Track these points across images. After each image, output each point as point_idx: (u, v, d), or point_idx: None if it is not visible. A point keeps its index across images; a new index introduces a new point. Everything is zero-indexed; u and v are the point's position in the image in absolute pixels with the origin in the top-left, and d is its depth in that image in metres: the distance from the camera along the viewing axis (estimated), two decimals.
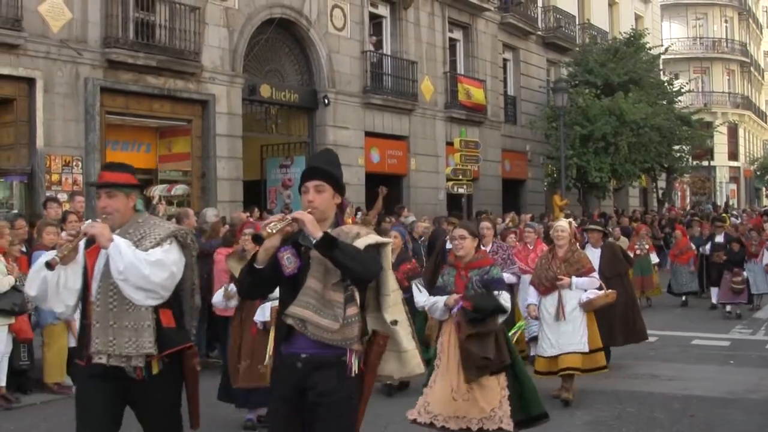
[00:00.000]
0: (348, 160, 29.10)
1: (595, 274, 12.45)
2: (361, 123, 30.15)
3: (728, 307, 22.95)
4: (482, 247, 11.85)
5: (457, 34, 36.57)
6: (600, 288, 12.35)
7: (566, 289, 12.12)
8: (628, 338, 15.08)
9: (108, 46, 21.66)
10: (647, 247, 25.13)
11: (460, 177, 30.53)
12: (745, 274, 22.88)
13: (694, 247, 25.86)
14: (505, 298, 9.06)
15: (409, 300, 11.79)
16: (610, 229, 28.52)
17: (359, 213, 23.59)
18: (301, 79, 28.80)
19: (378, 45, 31.90)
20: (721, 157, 69.15)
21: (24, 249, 13.96)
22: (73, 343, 13.40)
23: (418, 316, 11.90)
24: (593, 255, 14.59)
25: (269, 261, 6.06)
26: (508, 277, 12.64)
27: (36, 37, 20.27)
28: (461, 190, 30.83)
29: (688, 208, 52.70)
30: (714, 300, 24.08)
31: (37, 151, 20.30)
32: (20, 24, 19.76)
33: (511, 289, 12.68)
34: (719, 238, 24.65)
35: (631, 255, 23.28)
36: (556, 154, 36.43)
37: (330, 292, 5.92)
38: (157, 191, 23.68)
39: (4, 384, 12.31)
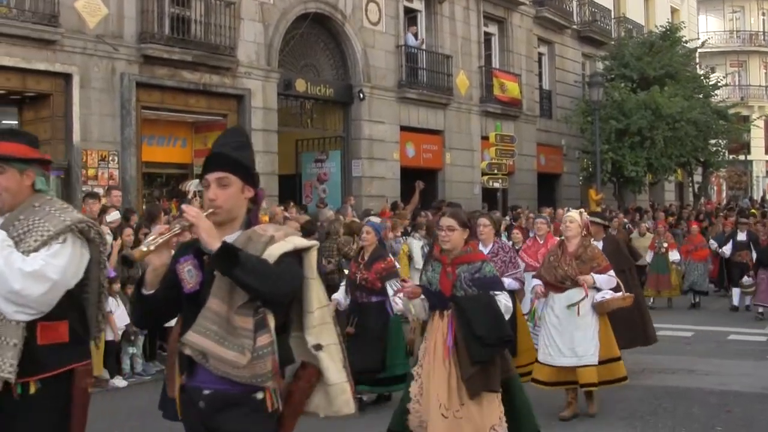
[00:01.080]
0: (383, 154, 29.16)
1: (612, 273, 11.15)
2: (396, 117, 30.13)
3: (760, 309, 21.71)
4: (482, 249, 10.97)
5: (492, 28, 36.49)
6: (617, 289, 11.18)
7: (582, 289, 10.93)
8: (633, 341, 13.65)
9: (144, 41, 21.74)
10: (666, 245, 24.10)
11: (496, 171, 30.43)
12: None
13: (715, 244, 25.19)
14: (503, 301, 7.93)
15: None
16: (649, 224, 28.37)
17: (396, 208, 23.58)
18: (336, 73, 28.81)
19: (415, 37, 31.77)
20: (758, 151, 68.58)
21: None
22: (110, 337, 13.51)
23: (395, 323, 11.82)
24: None
25: (164, 281, 4.98)
26: (509, 282, 11.11)
27: (72, 32, 20.37)
28: (496, 185, 30.75)
29: (724, 202, 52.30)
30: (736, 302, 23.41)
31: (73, 146, 20.40)
32: (57, 20, 19.86)
33: (513, 297, 10.72)
34: (741, 236, 23.89)
35: (651, 252, 24.22)
36: (591, 149, 36.25)
37: (236, 317, 4.76)
38: (192, 186, 23.75)
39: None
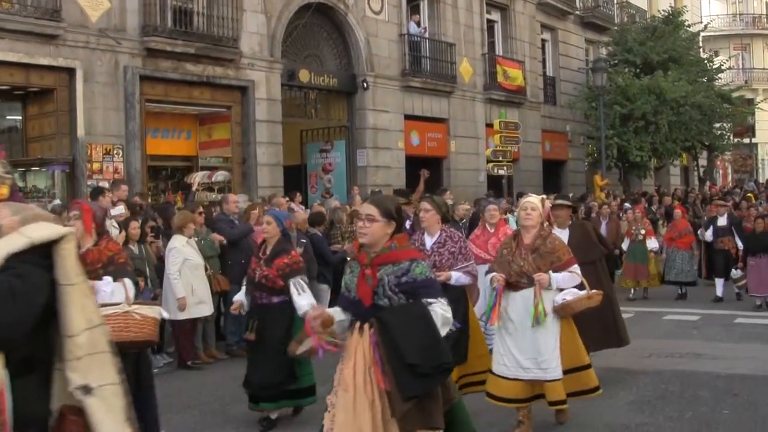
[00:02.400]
0: (388, 143, 29.19)
1: (576, 268, 9.54)
2: (400, 106, 30.14)
3: (758, 300, 20.20)
4: (426, 239, 10.09)
5: (495, 16, 36.47)
6: (581, 287, 9.66)
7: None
8: (604, 342, 12.24)
9: (146, 34, 21.74)
10: (643, 232, 22.71)
11: (500, 158, 30.45)
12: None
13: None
14: (440, 311, 6.20)
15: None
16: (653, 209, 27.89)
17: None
18: (339, 63, 28.81)
19: (418, 25, 31.74)
20: (763, 134, 68.33)
21: None
22: None
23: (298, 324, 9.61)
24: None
25: None
26: (458, 277, 9.92)
27: (75, 27, 20.38)
28: (501, 172, 30.75)
29: (730, 185, 52.23)
30: (719, 292, 21.71)
31: (78, 141, 20.44)
32: (59, 14, 19.87)
33: (465, 294, 10.33)
34: (722, 221, 22.27)
35: (627, 240, 23.05)
36: (596, 134, 36.30)
37: None
38: (197, 178, 23.83)
39: None
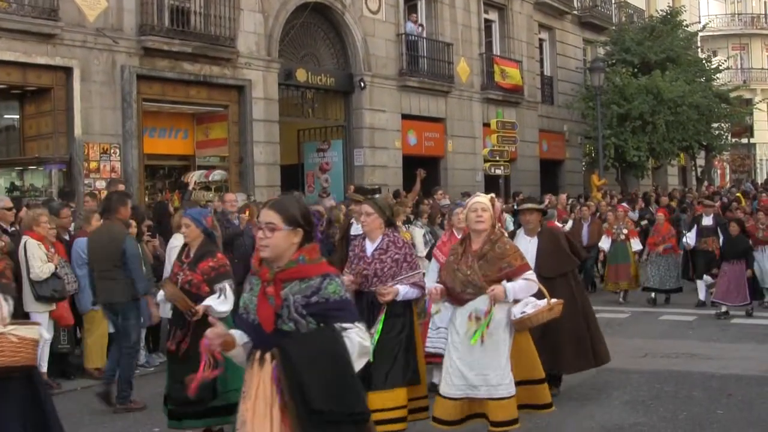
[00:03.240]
0: (385, 142, 29.21)
1: (531, 275, 8.53)
2: (397, 106, 30.15)
3: (724, 308, 18.90)
4: (367, 245, 9.07)
5: (493, 15, 36.46)
6: (540, 296, 8.68)
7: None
8: (582, 363, 11.31)
9: (144, 33, 21.75)
10: (626, 232, 21.84)
11: (498, 158, 30.49)
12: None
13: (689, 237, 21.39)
14: (356, 339, 5.21)
15: None
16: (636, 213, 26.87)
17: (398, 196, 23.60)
18: (336, 62, 28.82)
19: (415, 23, 31.74)
20: (761, 134, 68.36)
21: (67, 237, 14.15)
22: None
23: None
24: (527, 247, 10.76)
25: None
26: (405, 292, 8.87)
27: (72, 26, 20.40)
28: (499, 172, 30.79)
29: (728, 186, 52.20)
30: (702, 296, 20.76)
31: (75, 140, 20.44)
32: (57, 14, 19.89)
33: (410, 309, 9.14)
34: (707, 221, 20.88)
35: (609, 240, 22.01)
36: (593, 134, 36.30)
37: None
38: (194, 177, 23.85)
39: (45, 369, 12.41)
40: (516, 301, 8.57)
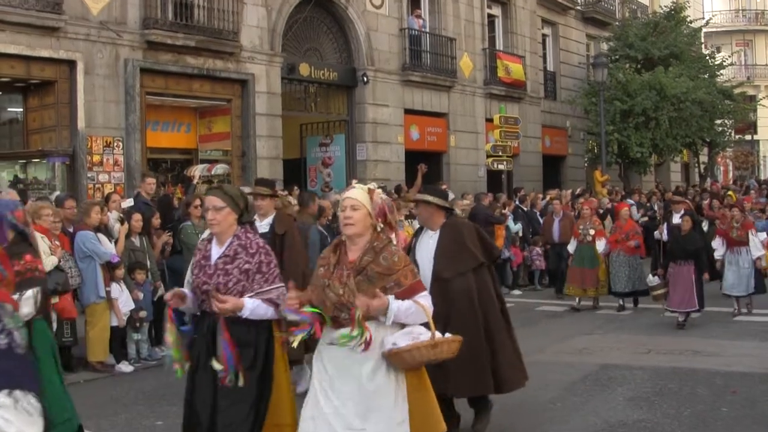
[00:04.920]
0: (387, 137, 29.18)
1: (425, 297, 6.55)
2: (400, 100, 30.13)
3: (681, 317, 17.08)
4: (215, 248, 6.98)
5: (496, 10, 36.42)
6: (428, 325, 6.48)
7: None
8: (476, 385, 9.06)
9: (147, 27, 21.73)
10: (593, 232, 19.95)
11: (500, 153, 30.48)
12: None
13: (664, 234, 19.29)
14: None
15: None
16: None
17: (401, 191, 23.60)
18: (339, 57, 28.80)
19: (419, 17, 31.72)
20: (764, 131, 68.29)
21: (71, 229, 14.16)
22: (115, 322, 13.58)
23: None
24: (428, 243, 9.31)
25: None
26: (254, 307, 6.74)
27: (76, 19, 20.39)
28: (501, 167, 30.79)
29: (731, 182, 52.16)
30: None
31: (78, 133, 20.45)
32: (60, 7, 19.88)
33: (266, 331, 6.89)
34: (677, 219, 18.45)
35: (575, 241, 20.30)
36: (596, 130, 36.27)
37: None
38: (197, 171, 23.83)
39: None
40: (397, 330, 6.49)
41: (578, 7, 41.91)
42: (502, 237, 22.70)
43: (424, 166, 23.10)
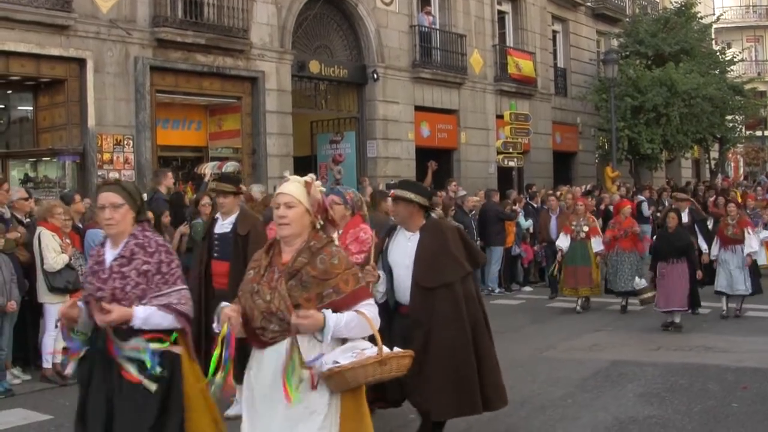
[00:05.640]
0: (398, 134, 29.17)
1: (370, 306, 5.64)
2: (410, 97, 30.11)
3: (677, 318, 16.33)
4: (109, 249, 6.14)
5: (506, 7, 36.42)
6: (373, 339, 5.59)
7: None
8: (462, 407, 8.27)
9: (157, 25, 21.75)
10: (586, 229, 19.08)
11: (511, 150, 30.44)
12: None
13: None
14: None
15: None
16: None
17: None
18: (350, 54, 28.79)
19: (429, 15, 31.70)
20: None
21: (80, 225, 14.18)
22: None
23: None
24: (406, 245, 8.45)
25: None
26: (147, 316, 5.85)
27: (86, 17, 20.42)
28: (512, 164, 30.75)
29: (741, 178, 52.05)
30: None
31: (88, 131, 20.48)
32: (70, 5, 19.90)
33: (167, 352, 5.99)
34: (684, 218, 18.73)
35: (567, 238, 19.34)
36: (607, 126, 36.22)
37: None
38: (208, 168, 23.84)
39: (59, 361, 12.40)
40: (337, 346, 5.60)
41: (588, 4, 41.84)
42: (512, 233, 22.73)
43: (434, 163, 23.10)
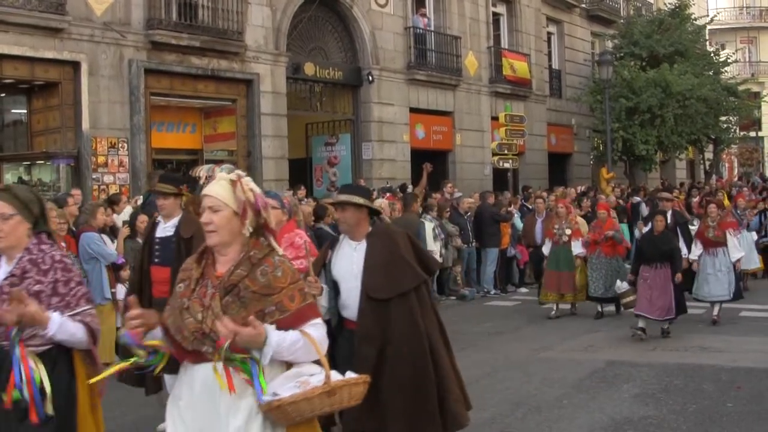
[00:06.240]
0: (393, 136, 29.18)
1: (317, 327, 4.91)
2: (405, 99, 30.12)
3: (641, 322, 15.38)
4: (4, 264, 5.46)
5: (501, 8, 36.42)
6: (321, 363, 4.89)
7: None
8: (424, 427, 7.13)
9: (151, 27, 21.75)
10: (569, 232, 18.36)
11: (506, 152, 30.49)
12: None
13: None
14: None
15: None
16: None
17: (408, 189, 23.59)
18: (344, 56, 28.80)
19: (423, 17, 31.72)
20: None
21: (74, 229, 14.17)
22: (121, 324, 13.56)
23: None
24: (353, 256, 7.41)
25: None
26: (58, 327, 5.21)
27: (80, 20, 20.40)
28: (507, 165, 30.80)
29: (736, 179, 52.08)
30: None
31: (83, 134, 20.45)
32: (64, 8, 19.90)
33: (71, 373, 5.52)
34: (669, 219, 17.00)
35: (549, 243, 18.74)
36: (601, 127, 36.26)
37: None
38: (203, 171, 23.80)
39: None
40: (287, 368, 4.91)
41: (583, 5, 41.89)
42: (508, 235, 22.76)
43: (429, 165, 23.11)
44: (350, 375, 4.95)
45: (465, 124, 32.90)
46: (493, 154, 31.12)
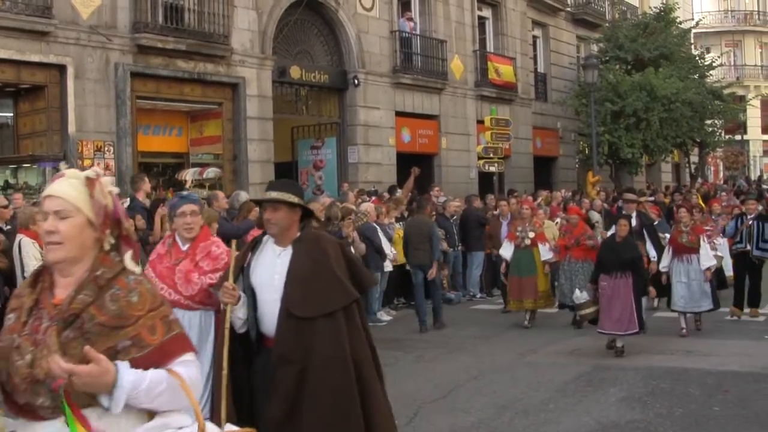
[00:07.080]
0: (379, 140, 29.17)
1: (189, 365, 3.79)
2: (391, 103, 30.12)
3: (619, 342, 14.42)
4: None
5: (486, 12, 36.46)
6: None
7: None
8: None
9: (137, 31, 21.71)
10: (532, 235, 17.72)
11: (492, 155, 30.52)
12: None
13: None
14: None
15: None
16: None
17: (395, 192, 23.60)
18: (330, 60, 28.79)
19: (410, 20, 31.76)
20: (754, 131, 68.48)
21: None
22: None
23: None
24: (275, 264, 6.48)
25: None
26: None
27: (66, 24, 20.35)
28: (492, 169, 30.83)
29: (721, 182, 52.22)
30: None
31: (69, 137, 20.40)
32: (50, 11, 19.84)
33: None
34: (635, 222, 16.34)
35: (511, 246, 18.04)
36: (587, 131, 36.35)
37: None
38: (189, 175, 23.82)
39: None
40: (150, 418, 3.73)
41: (568, 9, 42.00)
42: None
43: (417, 169, 23.14)
44: (230, 428, 4.11)
45: (451, 128, 32.91)
46: (479, 158, 31.14)
